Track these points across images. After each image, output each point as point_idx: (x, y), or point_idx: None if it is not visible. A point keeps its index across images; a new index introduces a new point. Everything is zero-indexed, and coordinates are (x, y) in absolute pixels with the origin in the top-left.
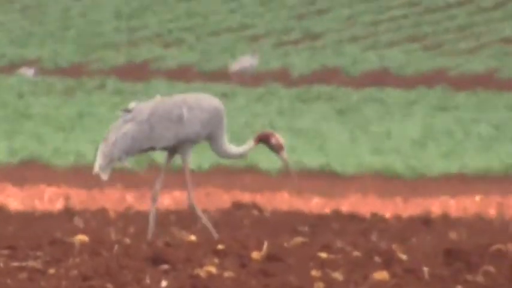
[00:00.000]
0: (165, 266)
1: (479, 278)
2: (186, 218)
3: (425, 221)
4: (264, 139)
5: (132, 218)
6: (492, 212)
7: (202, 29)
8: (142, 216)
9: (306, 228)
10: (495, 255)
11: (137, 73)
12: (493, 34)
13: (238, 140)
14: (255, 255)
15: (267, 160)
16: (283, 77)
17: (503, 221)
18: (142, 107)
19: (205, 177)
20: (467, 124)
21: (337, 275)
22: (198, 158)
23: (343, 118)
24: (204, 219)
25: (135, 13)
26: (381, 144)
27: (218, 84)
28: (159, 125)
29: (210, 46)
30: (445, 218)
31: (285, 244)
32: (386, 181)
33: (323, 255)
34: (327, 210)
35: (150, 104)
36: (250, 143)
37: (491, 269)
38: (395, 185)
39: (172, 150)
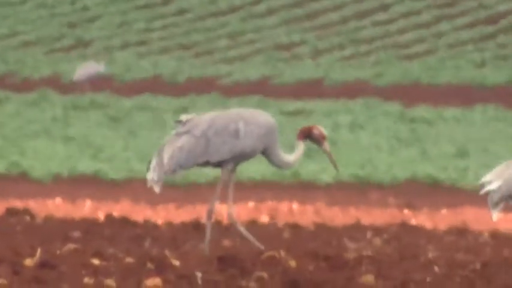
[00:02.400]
0: None
1: (252, 284)
2: None
3: (198, 227)
4: (307, 134)
5: None
6: (265, 218)
7: None
8: None
9: (79, 235)
10: (268, 262)
11: None
12: (265, 41)
13: (14, 146)
14: (28, 262)
15: (40, 167)
16: (55, 84)
17: (276, 227)
18: (197, 121)
19: None
20: None
21: (110, 282)
22: None
23: (116, 125)
24: (245, 232)
25: None
26: (152, 150)
27: None
28: (215, 139)
29: None
30: (218, 224)
31: (58, 251)
32: None
33: (95, 262)
34: (100, 216)
35: (205, 118)
36: (299, 145)
37: (264, 275)
38: (167, 191)
39: (225, 164)
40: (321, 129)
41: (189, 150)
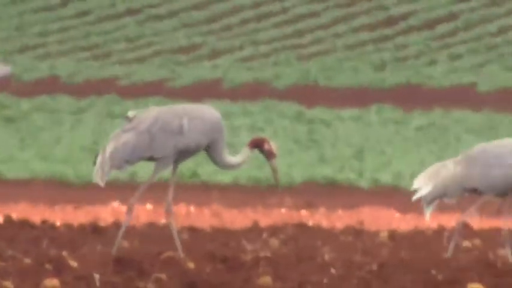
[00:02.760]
0: None
1: (150, 286)
2: None
3: (96, 229)
4: (258, 145)
5: None
6: (163, 220)
7: None
8: None
9: None
10: (166, 263)
11: None
12: (164, 43)
13: None
14: None
15: None
16: None
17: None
18: (142, 117)
19: None
20: None
21: (8, 284)
22: None
23: (13, 126)
24: (175, 233)
25: None
26: (50, 151)
27: None
28: (159, 135)
29: None
30: (116, 225)
31: None
32: (56, 188)
33: None
34: None
35: (150, 114)
36: (246, 151)
37: (163, 276)
38: (65, 192)
39: (170, 159)
40: (273, 145)
41: (134, 145)
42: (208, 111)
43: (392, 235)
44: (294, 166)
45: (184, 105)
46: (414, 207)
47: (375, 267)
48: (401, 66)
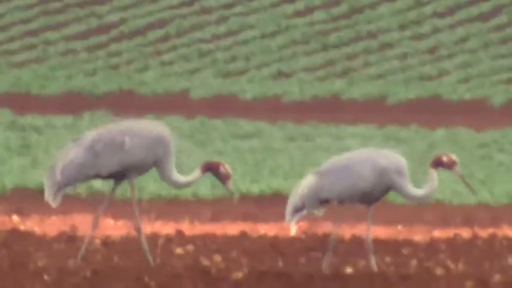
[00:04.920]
0: None
1: None
2: None
3: None
4: (211, 168)
5: None
6: None
7: None
8: None
9: None
10: None
11: None
12: None
13: None
14: None
15: None
16: None
17: None
18: (87, 135)
19: None
20: None
21: None
22: None
23: None
24: (145, 245)
25: None
26: None
27: None
28: (103, 152)
29: None
30: None
31: None
32: None
33: None
34: None
35: (94, 131)
36: (197, 172)
37: None
38: None
39: (119, 177)
40: (227, 168)
41: (78, 163)
42: (152, 127)
43: (106, 241)
44: (5, 174)
45: (129, 121)
46: (127, 214)
47: (88, 273)
48: (113, 73)
